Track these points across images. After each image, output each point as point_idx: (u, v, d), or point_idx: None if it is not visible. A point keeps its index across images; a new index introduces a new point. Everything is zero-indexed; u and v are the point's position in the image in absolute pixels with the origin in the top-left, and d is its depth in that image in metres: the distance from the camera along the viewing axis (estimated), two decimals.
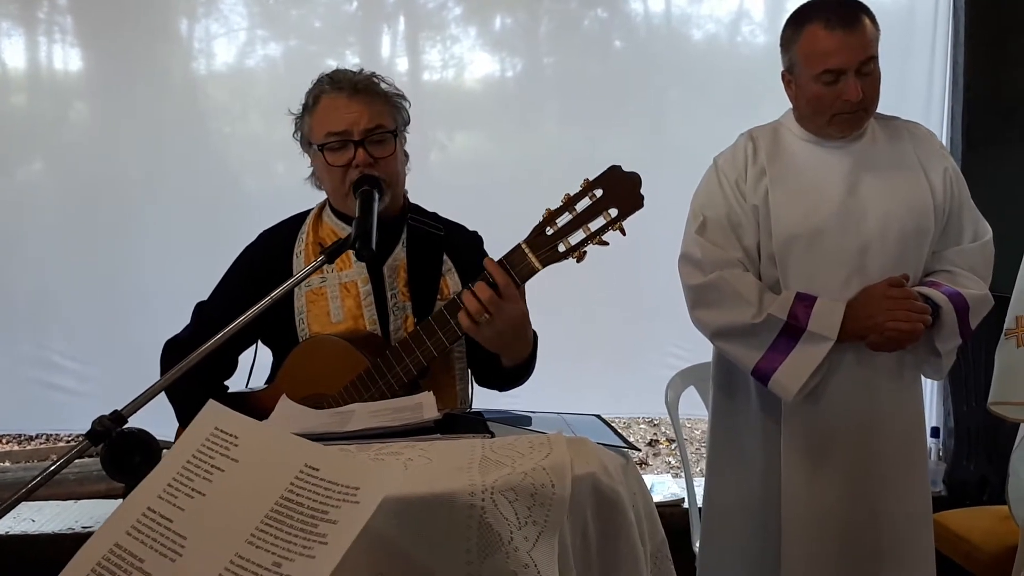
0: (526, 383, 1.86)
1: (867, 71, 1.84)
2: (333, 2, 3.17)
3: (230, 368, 1.86)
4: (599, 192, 1.49)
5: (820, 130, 1.94)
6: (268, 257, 1.79)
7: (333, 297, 1.75)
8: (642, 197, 1.49)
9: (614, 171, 1.50)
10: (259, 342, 1.84)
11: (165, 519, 0.84)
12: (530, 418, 1.51)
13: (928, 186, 1.94)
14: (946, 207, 1.95)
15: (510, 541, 1.08)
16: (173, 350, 1.78)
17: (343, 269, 1.75)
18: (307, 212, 1.86)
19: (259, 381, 1.86)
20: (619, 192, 1.48)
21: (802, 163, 1.95)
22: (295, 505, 0.82)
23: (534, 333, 1.68)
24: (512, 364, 1.67)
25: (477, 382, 1.85)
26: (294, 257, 1.78)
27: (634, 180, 1.49)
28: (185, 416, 1.76)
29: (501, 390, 1.83)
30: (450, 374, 1.77)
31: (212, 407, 0.93)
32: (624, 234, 1.51)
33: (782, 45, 1.93)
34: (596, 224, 1.50)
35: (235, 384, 1.87)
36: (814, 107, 1.89)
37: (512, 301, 1.52)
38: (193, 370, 1.64)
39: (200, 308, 1.84)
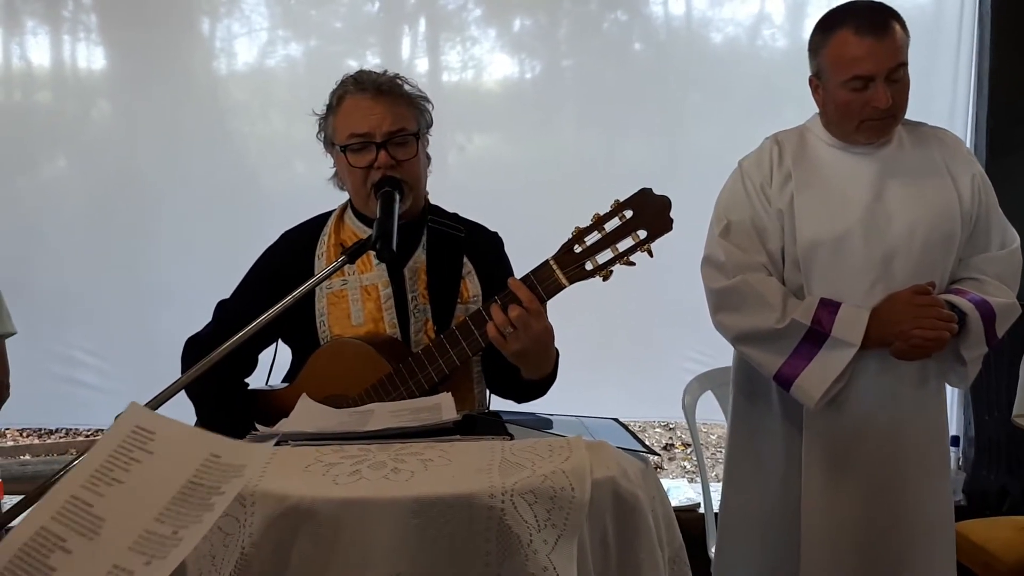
0: None
1: (896, 78, 1.82)
2: (354, 3, 3.18)
3: (250, 366, 1.87)
4: (629, 213, 1.50)
5: (847, 136, 1.92)
6: (290, 258, 1.80)
7: (354, 300, 1.75)
8: (671, 220, 1.51)
9: (645, 193, 1.51)
10: (279, 341, 1.85)
11: (87, 504, 0.95)
12: (549, 421, 1.52)
13: (956, 192, 1.91)
14: (973, 213, 1.93)
15: (529, 544, 1.08)
16: (194, 348, 1.79)
17: (364, 272, 1.76)
18: (329, 213, 1.86)
19: (277, 379, 1.87)
20: (649, 214, 1.50)
21: (828, 168, 1.93)
22: (197, 486, 0.95)
23: (556, 351, 1.68)
24: (532, 378, 1.66)
25: (493, 392, 1.84)
26: (316, 258, 1.78)
27: (664, 203, 1.50)
28: (204, 413, 1.78)
29: (518, 402, 1.82)
30: (468, 377, 1.76)
31: (133, 408, 1.05)
32: (651, 255, 1.52)
33: (810, 50, 1.92)
34: (624, 245, 1.52)
35: (255, 382, 1.89)
36: (842, 113, 1.87)
37: (538, 317, 1.52)
38: (213, 368, 1.67)
39: (221, 307, 1.85)
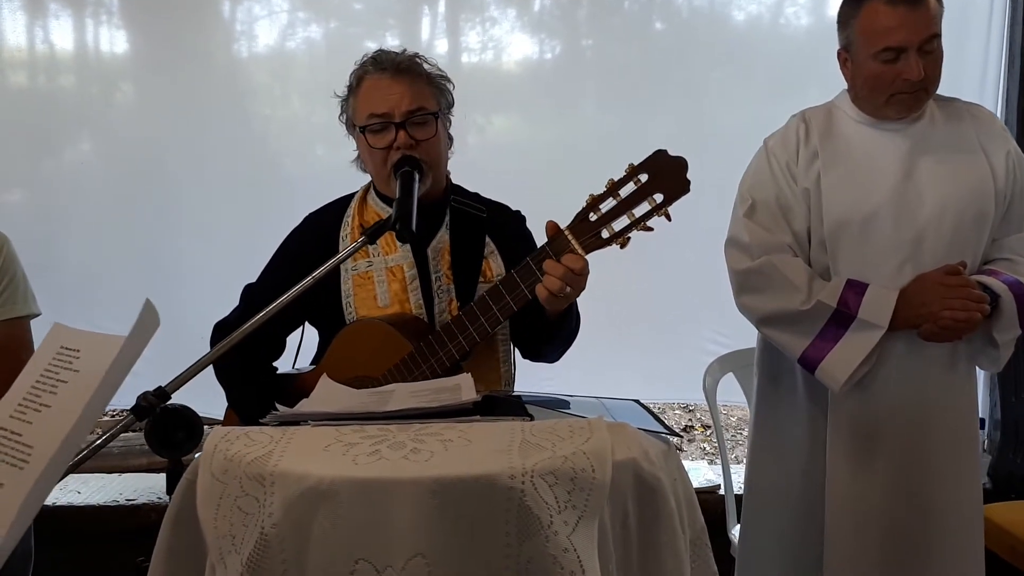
0: (562, 363, 1.85)
1: (929, 49, 1.78)
2: None
3: (278, 349, 1.89)
4: (644, 177, 1.46)
5: (877, 111, 1.87)
6: (314, 240, 1.80)
7: (379, 281, 1.75)
8: (688, 182, 1.47)
9: (660, 155, 1.47)
10: (306, 324, 1.86)
11: (15, 434, 0.95)
12: (568, 402, 1.51)
13: (989, 170, 1.86)
14: (1008, 192, 1.88)
15: (550, 525, 1.08)
16: (222, 332, 1.81)
17: (389, 253, 1.75)
18: (352, 195, 1.86)
19: (305, 361, 1.88)
20: (665, 177, 1.46)
21: (856, 146, 1.89)
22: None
23: None
24: (558, 313, 1.63)
25: (525, 357, 1.84)
26: (340, 240, 1.78)
27: (680, 164, 1.46)
28: (233, 395, 1.79)
29: (551, 359, 1.81)
30: (494, 356, 1.76)
31: (56, 329, 1.03)
32: (670, 219, 1.49)
33: (839, 22, 1.87)
34: (641, 210, 1.48)
35: (283, 365, 1.89)
36: (872, 86, 1.83)
37: (584, 275, 1.52)
38: (242, 351, 1.67)
39: (248, 290, 1.86)
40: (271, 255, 1.89)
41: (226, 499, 1.10)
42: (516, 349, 1.85)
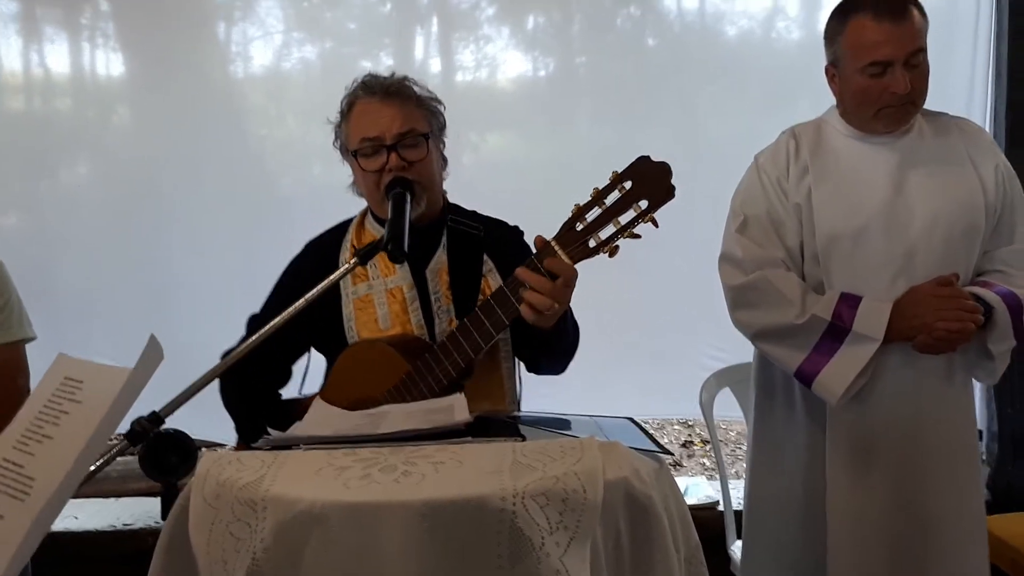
0: (558, 379, 1.85)
1: (915, 63, 1.79)
2: (367, 3, 3.19)
3: (284, 377, 1.89)
4: (628, 184, 1.47)
5: (865, 125, 1.89)
6: (315, 266, 1.80)
7: (380, 303, 1.75)
8: (672, 187, 1.46)
9: (642, 161, 1.47)
10: (312, 351, 1.86)
11: (17, 465, 0.94)
12: (564, 421, 1.51)
13: (979, 183, 1.87)
14: (998, 205, 1.89)
15: (541, 547, 1.08)
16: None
17: (388, 275, 1.76)
18: (350, 220, 1.87)
19: (314, 388, 1.87)
20: (649, 183, 1.46)
21: (846, 160, 1.90)
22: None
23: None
24: (550, 326, 1.61)
25: (529, 371, 1.84)
26: (339, 264, 1.79)
27: (664, 170, 1.46)
28: (243, 428, 1.80)
29: (557, 370, 1.81)
30: (497, 373, 1.75)
31: (60, 360, 1.03)
32: (656, 226, 1.48)
33: (826, 37, 1.89)
34: (626, 217, 1.48)
35: (291, 393, 1.90)
36: (859, 100, 1.84)
37: (570, 287, 1.50)
38: (246, 381, 1.69)
39: (253, 320, 1.87)
40: (272, 281, 1.89)
41: (218, 524, 1.10)
42: (522, 365, 1.85)
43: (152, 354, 0.99)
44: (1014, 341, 1.86)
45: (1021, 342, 1.88)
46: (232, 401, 1.81)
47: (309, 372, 1.85)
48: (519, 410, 1.79)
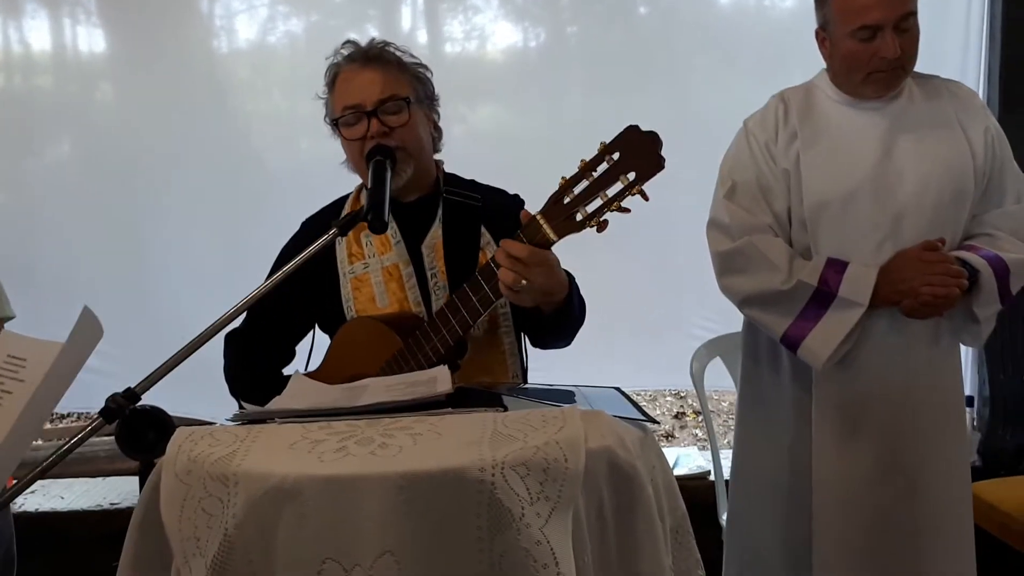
0: (548, 354, 1.83)
1: (906, 27, 1.77)
2: None
3: (288, 357, 1.88)
4: (616, 155, 1.41)
5: (855, 90, 1.87)
6: (312, 242, 1.77)
7: (377, 282, 1.73)
8: (662, 158, 1.40)
9: (631, 132, 1.41)
10: (317, 330, 1.84)
11: None
12: (546, 391, 1.49)
13: (968, 147, 1.86)
14: (987, 168, 1.87)
15: (521, 517, 1.06)
16: (233, 340, 1.82)
17: (383, 253, 1.73)
18: (347, 196, 1.84)
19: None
20: (637, 154, 1.40)
21: (835, 125, 1.88)
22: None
23: (569, 274, 1.61)
24: (554, 309, 1.59)
25: (534, 346, 1.81)
26: (336, 241, 1.75)
27: (652, 140, 1.40)
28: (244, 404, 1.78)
29: (561, 345, 1.78)
30: (499, 349, 1.73)
31: (3, 337, 1.00)
32: (646, 198, 1.42)
33: (816, 1, 1.86)
34: (614, 189, 1.42)
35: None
36: (849, 65, 1.82)
37: (541, 265, 1.45)
38: (250, 360, 1.72)
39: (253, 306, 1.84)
40: (258, 257, 1.86)
41: (190, 501, 1.07)
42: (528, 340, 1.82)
43: (86, 327, 0.96)
44: (1000, 305, 1.86)
45: (1008, 306, 1.88)
46: (237, 381, 1.80)
47: (313, 351, 1.83)
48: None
